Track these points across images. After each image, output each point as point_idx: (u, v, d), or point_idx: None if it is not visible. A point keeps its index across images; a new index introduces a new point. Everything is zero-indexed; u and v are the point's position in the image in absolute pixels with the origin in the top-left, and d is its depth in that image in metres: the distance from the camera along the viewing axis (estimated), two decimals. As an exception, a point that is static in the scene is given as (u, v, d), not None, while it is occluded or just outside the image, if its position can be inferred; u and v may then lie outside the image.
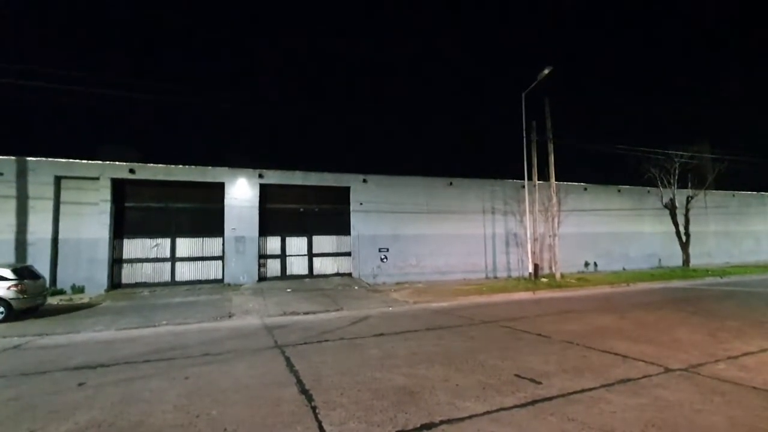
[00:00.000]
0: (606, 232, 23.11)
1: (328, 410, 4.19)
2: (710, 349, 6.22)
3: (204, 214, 16.95)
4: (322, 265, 18.34)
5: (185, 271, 16.54)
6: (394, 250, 18.84)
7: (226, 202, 16.95)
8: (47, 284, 12.95)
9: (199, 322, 9.78)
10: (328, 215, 18.63)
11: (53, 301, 13.05)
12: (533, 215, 18.45)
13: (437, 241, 19.53)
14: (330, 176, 18.71)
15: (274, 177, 17.80)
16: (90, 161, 15.78)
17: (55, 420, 4.10)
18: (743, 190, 28.06)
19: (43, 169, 15.02)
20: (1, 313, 10.19)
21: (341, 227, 18.60)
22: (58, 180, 15.26)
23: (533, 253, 18.06)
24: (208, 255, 16.85)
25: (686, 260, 22.36)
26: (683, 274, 19.01)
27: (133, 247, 16.21)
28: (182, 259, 16.60)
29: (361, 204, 18.66)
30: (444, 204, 20.01)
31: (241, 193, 17.13)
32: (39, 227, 14.72)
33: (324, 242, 18.51)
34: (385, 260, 18.65)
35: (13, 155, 14.83)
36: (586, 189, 23.14)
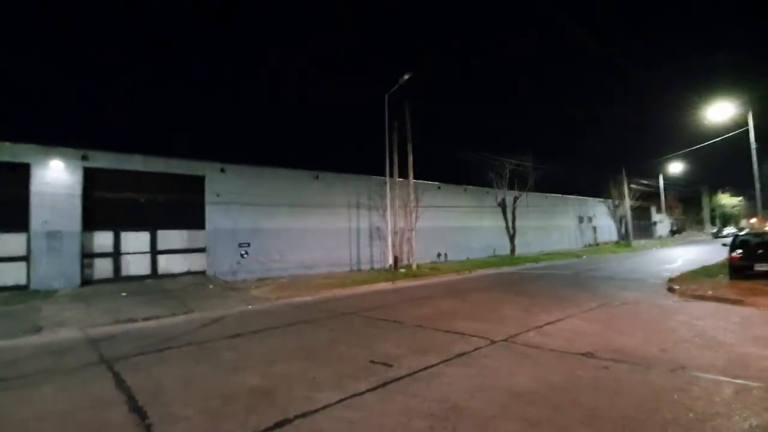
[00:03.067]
0: (455, 227, 26.18)
1: (167, 425, 3.73)
2: (524, 322, 7.57)
3: (-2, 203, 13.14)
4: (168, 264, 16.13)
5: (-36, 278, 12.57)
6: (256, 244, 17.84)
7: (34, 188, 13.40)
8: None
9: (-13, 341, 7.56)
10: (178, 207, 16.47)
11: None
12: (394, 210, 19.69)
13: (302, 235, 19.23)
14: (180, 163, 16.57)
15: (104, 160, 14.87)
16: None
17: None
18: (553, 193, 35.20)
19: None
20: None
21: (194, 220, 16.67)
22: None
23: (394, 245, 19.29)
24: (4, 255, 13.10)
25: (513, 250, 26.87)
26: (511, 262, 22.80)
27: None
28: (-43, 263, 12.53)
29: (218, 195, 17.08)
30: (310, 198, 19.80)
31: (56, 177, 13.77)
32: None
33: (172, 237, 16.30)
34: (245, 256, 17.50)
35: None
36: (439, 187, 25.77)
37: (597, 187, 39.99)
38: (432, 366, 5.13)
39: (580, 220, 39.70)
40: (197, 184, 16.77)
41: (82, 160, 14.31)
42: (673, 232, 57.41)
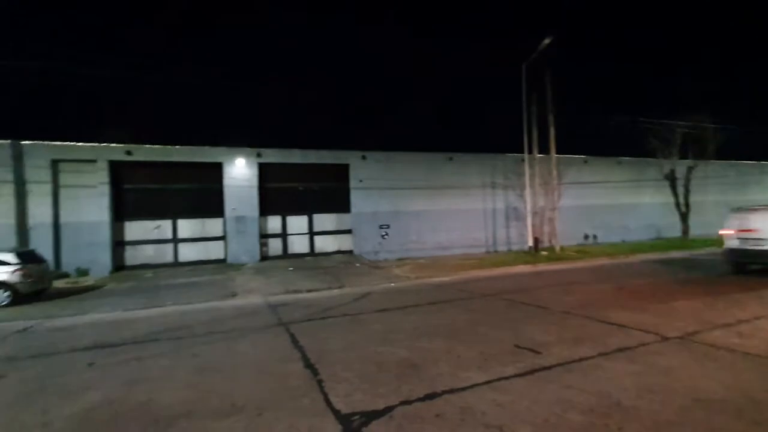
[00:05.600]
0: (605, 204, 23.14)
1: (334, 383, 4.30)
2: (707, 317, 6.33)
3: (203, 195, 16.95)
4: (323, 243, 18.48)
5: (187, 252, 16.69)
6: (395, 226, 18.93)
7: (225, 182, 16.90)
8: (51, 268, 13.06)
9: (203, 301, 9.93)
10: (328, 193, 18.63)
11: (59, 284, 13.20)
12: (533, 189, 18.41)
13: (438, 216, 19.59)
14: (329, 154, 18.58)
15: (272, 156, 17.68)
16: (86, 144, 15.62)
17: (68, 399, 4.21)
18: (743, 160, 27.89)
19: (38, 152, 14.88)
20: (8, 297, 10.33)
21: (341, 205, 18.63)
22: (54, 163, 15.14)
23: (533, 226, 18.12)
24: (210, 235, 16.98)
25: (685, 231, 22.43)
26: (682, 245, 19.14)
27: (134, 230, 16.28)
28: (184, 240, 16.73)
29: (360, 181, 18.62)
30: (444, 179, 19.96)
31: (240, 172, 17.06)
32: (39, 211, 14.73)
33: (324, 220, 18.59)
34: (386, 237, 18.76)
35: (6, 139, 14.66)
36: (586, 161, 23.01)
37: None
38: (587, 358, 4.74)
39: (789, 191, 30.53)
40: (343, 171, 18.61)
41: (257, 157, 17.34)
42: None
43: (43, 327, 8.05)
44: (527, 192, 18.25)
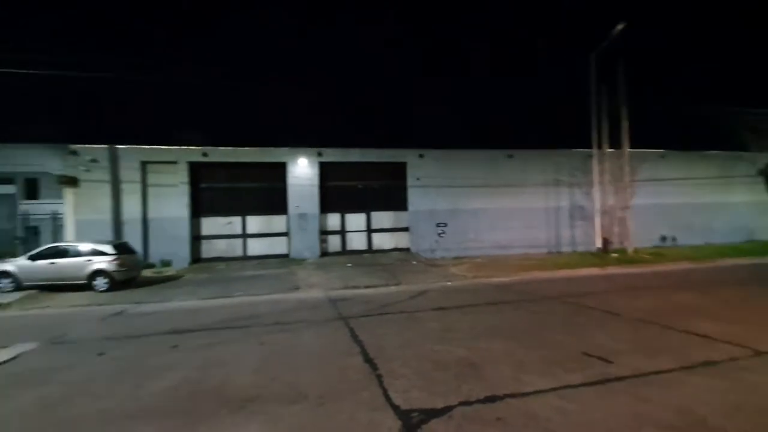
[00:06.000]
0: (686, 203, 21.02)
1: (392, 379, 4.35)
2: (814, 333, 5.54)
3: (269, 193, 17.99)
4: (380, 241, 18.76)
5: (255, 247, 17.82)
6: (453, 224, 18.69)
7: (289, 181, 17.77)
8: (141, 259, 14.60)
9: (269, 293, 10.53)
10: (386, 191, 18.86)
11: (146, 273, 14.71)
12: (603, 186, 17.19)
13: (497, 215, 19.03)
14: (387, 152, 18.79)
15: (332, 155, 18.27)
16: (169, 147, 17.22)
17: (155, 377, 4.71)
18: None
19: (130, 155, 16.67)
20: (107, 283, 11.72)
21: (399, 203, 18.77)
22: (143, 165, 16.87)
23: (602, 226, 16.94)
24: (275, 231, 17.98)
25: (786, 233, 19.75)
26: (782, 249, 16.85)
27: (209, 225, 17.69)
28: (252, 236, 17.89)
29: (418, 179, 18.62)
30: (504, 177, 19.33)
31: (302, 171, 17.85)
32: (130, 208, 16.52)
33: (382, 218, 18.86)
34: (443, 235, 18.59)
35: (104, 144, 16.60)
36: (663, 156, 21.05)
37: None
38: (666, 371, 4.35)
39: None
40: (400, 169, 18.75)
41: (318, 156, 18.02)
42: None
43: (135, 311, 9.05)
44: (595, 190, 17.08)
